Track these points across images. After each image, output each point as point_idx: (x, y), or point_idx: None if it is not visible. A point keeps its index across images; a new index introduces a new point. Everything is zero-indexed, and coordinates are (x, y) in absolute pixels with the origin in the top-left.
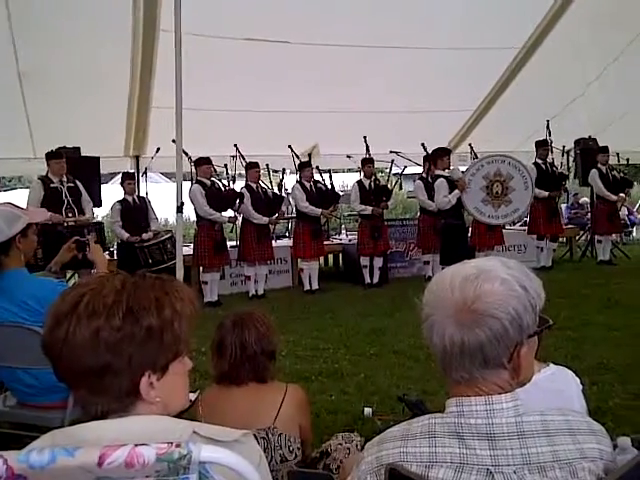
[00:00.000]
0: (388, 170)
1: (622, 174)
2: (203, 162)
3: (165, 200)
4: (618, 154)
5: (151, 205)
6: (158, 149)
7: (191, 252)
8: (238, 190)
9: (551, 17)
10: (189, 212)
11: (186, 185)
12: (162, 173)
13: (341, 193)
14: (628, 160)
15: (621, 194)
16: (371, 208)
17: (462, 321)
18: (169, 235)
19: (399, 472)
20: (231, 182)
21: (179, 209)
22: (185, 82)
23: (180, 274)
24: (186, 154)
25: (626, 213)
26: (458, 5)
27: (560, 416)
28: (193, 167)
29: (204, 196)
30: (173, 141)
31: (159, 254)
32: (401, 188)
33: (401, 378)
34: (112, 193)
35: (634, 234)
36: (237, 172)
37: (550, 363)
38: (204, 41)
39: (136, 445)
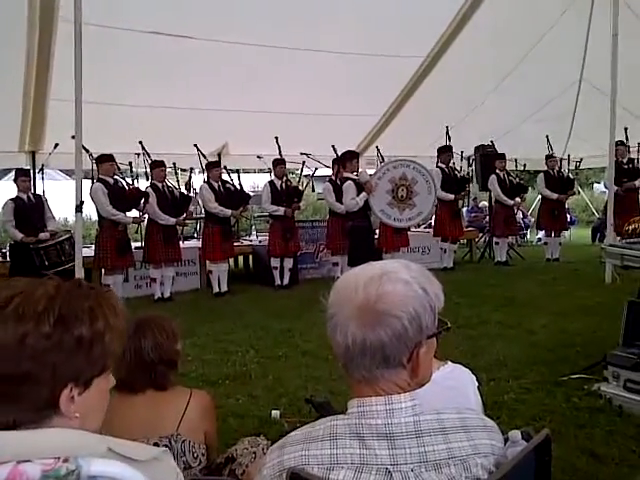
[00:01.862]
0: (299, 171)
1: (518, 179)
2: (105, 159)
3: (64, 199)
4: (516, 160)
5: (48, 204)
6: (57, 145)
7: (92, 254)
8: (143, 189)
9: (453, 29)
10: (90, 211)
11: (87, 183)
12: (61, 170)
13: (252, 194)
14: (525, 166)
15: (517, 199)
16: (283, 209)
17: (364, 320)
18: (68, 235)
19: (300, 476)
20: (135, 181)
21: (78, 208)
22: (86, 75)
23: (79, 277)
24: (87, 150)
25: (521, 216)
26: (368, 12)
27: (456, 414)
28: (94, 164)
29: (106, 195)
30: (73, 137)
31: (56, 255)
32: (313, 190)
33: (309, 379)
34: (4, 191)
35: (528, 236)
36: (142, 170)
37: (448, 361)
38: (107, 32)
39: (19, 462)
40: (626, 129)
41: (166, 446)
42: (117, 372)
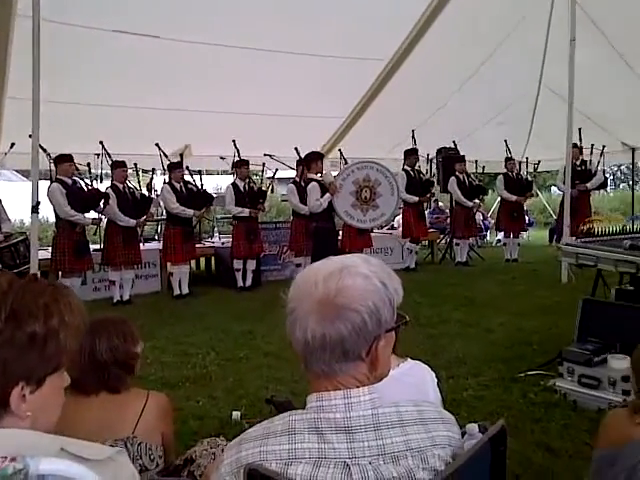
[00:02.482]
0: (261, 173)
1: (478, 181)
2: (64, 159)
3: (20, 200)
4: (476, 162)
5: (2, 204)
6: (13, 144)
7: (49, 256)
8: (103, 190)
9: (416, 32)
10: (47, 213)
11: (44, 184)
12: (17, 171)
13: (215, 195)
14: (484, 168)
15: (476, 200)
16: (248, 210)
17: (324, 314)
18: (23, 237)
19: (258, 472)
20: (95, 182)
21: (34, 209)
22: (44, 72)
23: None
24: (44, 150)
25: (481, 218)
26: (332, 15)
27: (413, 407)
28: (52, 165)
29: (64, 196)
30: (30, 136)
31: (10, 258)
32: (273, 191)
33: (270, 380)
34: None
35: (488, 238)
36: (103, 171)
37: (408, 358)
38: (67, 30)
39: None
40: (580, 130)
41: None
42: (70, 372)
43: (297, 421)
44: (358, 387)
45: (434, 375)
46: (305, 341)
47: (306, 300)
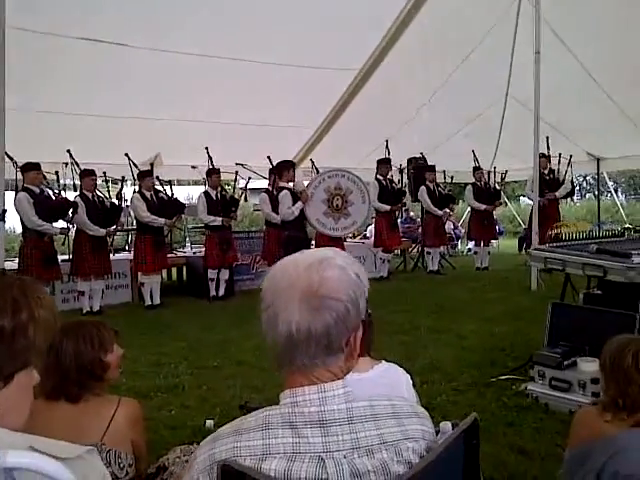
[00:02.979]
0: (234, 182)
1: (448, 191)
2: (31, 168)
3: None
4: (444, 172)
5: None
6: None
7: (16, 267)
8: (72, 199)
9: (386, 43)
10: (15, 223)
11: (11, 195)
12: None
13: (187, 205)
14: (452, 178)
15: (446, 209)
16: (221, 219)
17: (309, 305)
18: None
19: (231, 467)
20: (63, 192)
21: (1, 217)
22: (10, 80)
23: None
24: (11, 158)
25: (452, 227)
26: (303, 25)
27: (386, 401)
28: (19, 173)
29: (32, 205)
30: None
31: None
32: (246, 200)
33: (244, 388)
34: None
35: (459, 247)
36: (70, 183)
37: (383, 361)
38: (33, 37)
39: None
40: (547, 138)
41: None
42: (49, 380)
43: (271, 416)
44: (333, 381)
45: (409, 377)
46: (288, 335)
47: (286, 292)
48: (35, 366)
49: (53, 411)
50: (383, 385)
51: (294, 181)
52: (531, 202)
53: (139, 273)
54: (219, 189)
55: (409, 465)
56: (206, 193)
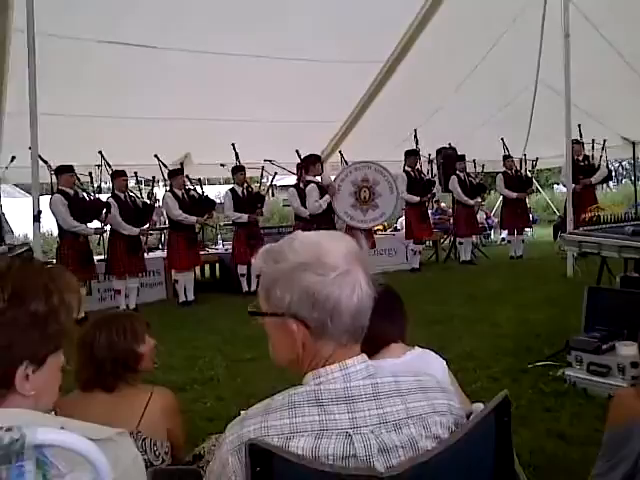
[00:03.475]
0: (260, 178)
1: (478, 180)
2: (65, 170)
3: (23, 215)
4: (474, 161)
5: (5, 217)
6: (13, 157)
7: None
8: (104, 200)
9: (411, 33)
10: (51, 226)
11: (46, 199)
12: (19, 187)
13: (218, 202)
14: (483, 167)
15: (478, 198)
16: (246, 215)
17: (367, 276)
18: (26, 248)
19: (259, 446)
20: (96, 193)
21: (36, 218)
22: (42, 86)
23: None
24: (45, 161)
25: (485, 217)
26: (326, 19)
27: (412, 377)
28: (54, 176)
29: (66, 207)
30: (30, 148)
31: None
32: (273, 195)
33: (279, 380)
34: None
35: (492, 236)
36: (105, 186)
37: (416, 347)
38: (61, 42)
39: None
40: (579, 126)
41: None
42: (85, 372)
43: (297, 394)
44: (351, 357)
45: (444, 362)
46: (353, 305)
47: (345, 258)
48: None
49: (89, 402)
50: (416, 369)
51: (321, 174)
52: (565, 189)
53: (173, 271)
54: (245, 186)
55: (438, 440)
56: (232, 190)
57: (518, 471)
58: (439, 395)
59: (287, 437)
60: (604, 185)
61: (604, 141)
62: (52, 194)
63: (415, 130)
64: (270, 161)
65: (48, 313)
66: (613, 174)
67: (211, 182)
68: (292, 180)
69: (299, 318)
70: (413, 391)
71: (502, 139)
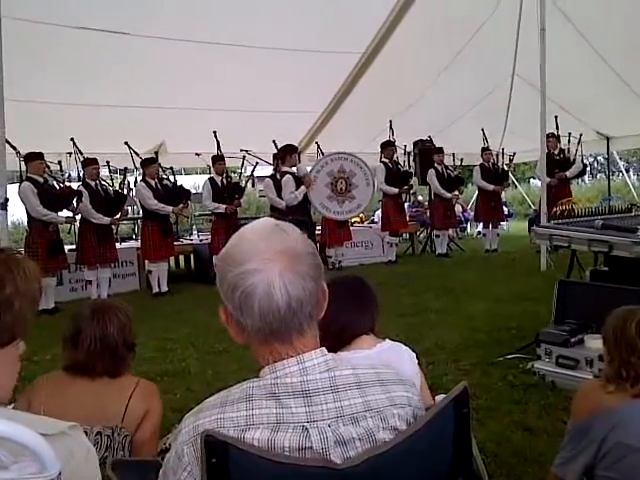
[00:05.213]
0: (240, 170)
1: (458, 173)
2: (34, 157)
3: None
4: (454, 154)
5: None
6: None
7: None
8: (75, 188)
9: (389, 24)
10: (20, 214)
11: (15, 187)
12: None
13: (193, 192)
14: (462, 160)
15: (455, 191)
16: (224, 206)
17: (293, 268)
18: None
19: (214, 438)
20: (67, 181)
21: (3, 206)
22: (10, 71)
23: None
24: (14, 148)
25: (461, 210)
26: (306, 8)
27: (371, 369)
28: (22, 163)
29: (36, 194)
30: None
31: None
32: (253, 185)
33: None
34: None
35: (468, 230)
36: (75, 172)
37: (387, 339)
38: (30, 27)
39: None
40: (556, 117)
41: (108, 437)
42: (73, 357)
43: (254, 388)
44: (310, 351)
45: (414, 355)
46: (277, 307)
47: (262, 253)
48: (22, 336)
49: (81, 389)
50: (385, 361)
51: (297, 165)
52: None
53: (146, 261)
54: (224, 175)
55: (395, 432)
56: (211, 180)
57: (476, 458)
58: (398, 388)
59: (243, 429)
60: (579, 179)
61: (580, 135)
62: (20, 180)
63: (390, 121)
64: (247, 151)
65: (1, 304)
66: (588, 169)
67: (187, 172)
68: (268, 171)
69: (225, 306)
70: (372, 384)
71: (482, 130)
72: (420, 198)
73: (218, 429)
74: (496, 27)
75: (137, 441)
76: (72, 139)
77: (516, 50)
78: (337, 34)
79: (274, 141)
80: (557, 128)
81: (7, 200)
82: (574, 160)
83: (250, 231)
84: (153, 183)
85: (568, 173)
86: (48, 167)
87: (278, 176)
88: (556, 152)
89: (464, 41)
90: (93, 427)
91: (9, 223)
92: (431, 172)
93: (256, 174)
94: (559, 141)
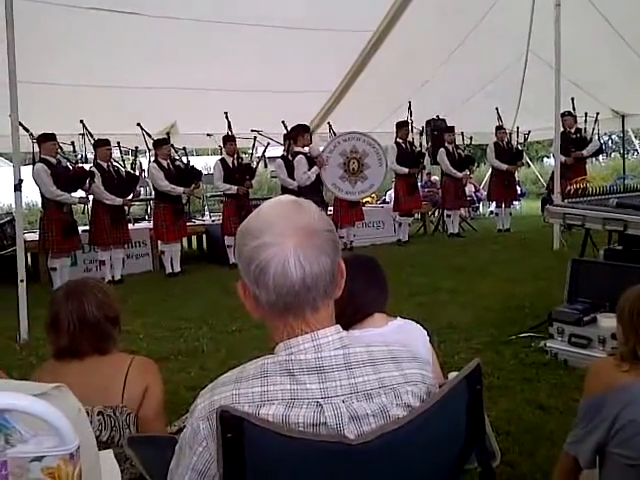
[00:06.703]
0: (251, 150)
1: (469, 152)
2: (47, 138)
3: (4, 185)
4: (462, 133)
5: None
6: None
7: (37, 238)
8: (88, 169)
9: (401, 3)
10: (34, 197)
11: (28, 169)
12: (5, 157)
13: (205, 173)
14: (472, 139)
15: (466, 171)
16: (236, 187)
17: (311, 242)
18: (9, 218)
19: (230, 413)
20: (80, 162)
21: (17, 187)
22: (21, 53)
23: (21, 259)
24: (26, 130)
25: (473, 190)
26: None
27: (384, 346)
28: (35, 145)
29: (49, 175)
30: (10, 116)
31: None
32: (266, 166)
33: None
34: None
35: (481, 209)
36: (86, 152)
37: (398, 317)
38: (41, 8)
39: None
40: (572, 99)
41: (110, 416)
42: (57, 342)
43: (269, 364)
44: (324, 328)
45: (426, 333)
46: (302, 278)
47: (280, 228)
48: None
49: (73, 372)
50: (397, 339)
51: (310, 145)
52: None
53: (159, 242)
54: (236, 156)
55: (409, 408)
56: (222, 160)
57: (489, 436)
58: (412, 365)
59: (258, 405)
60: (593, 158)
61: (597, 114)
62: (34, 162)
63: (410, 102)
64: (258, 131)
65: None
66: (603, 147)
67: (199, 153)
68: (279, 152)
69: (243, 280)
70: (385, 361)
71: (497, 108)
72: (435, 178)
73: (233, 405)
74: (510, 3)
75: (142, 418)
76: (82, 121)
77: (530, 26)
78: (349, 12)
79: (283, 122)
80: (574, 109)
81: (21, 181)
82: (591, 139)
83: (268, 206)
84: (165, 164)
85: (585, 152)
86: (61, 148)
87: (290, 157)
88: (572, 131)
89: (478, 17)
90: (94, 407)
91: (23, 205)
92: (441, 152)
93: (267, 155)
94: (576, 121)
